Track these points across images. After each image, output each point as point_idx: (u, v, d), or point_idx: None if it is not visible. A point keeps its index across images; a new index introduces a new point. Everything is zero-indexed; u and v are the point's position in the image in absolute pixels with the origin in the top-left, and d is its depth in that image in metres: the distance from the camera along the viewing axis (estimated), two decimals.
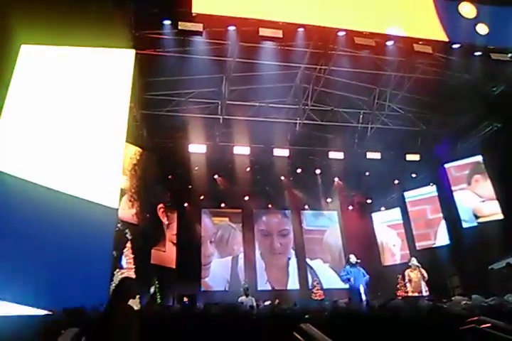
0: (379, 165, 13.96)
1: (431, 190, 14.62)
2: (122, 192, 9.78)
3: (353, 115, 12.94)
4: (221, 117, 12.14)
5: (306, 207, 16.69)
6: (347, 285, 9.37)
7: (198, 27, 8.48)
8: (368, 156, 13.42)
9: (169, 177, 13.67)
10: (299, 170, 14.82)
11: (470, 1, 10.33)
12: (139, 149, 11.37)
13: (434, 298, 7.43)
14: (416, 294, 9.46)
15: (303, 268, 15.72)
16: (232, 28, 8.91)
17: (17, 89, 8.22)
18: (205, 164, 13.35)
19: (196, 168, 13.50)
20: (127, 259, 10.36)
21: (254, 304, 8.76)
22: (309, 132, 13.43)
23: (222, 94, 11.59)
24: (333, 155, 13.52)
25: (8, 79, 8.09)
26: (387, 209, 16.33)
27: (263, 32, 8.73)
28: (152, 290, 11.33)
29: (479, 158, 12.87)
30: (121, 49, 8.94)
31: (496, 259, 10.73)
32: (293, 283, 15.38)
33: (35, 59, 8.56)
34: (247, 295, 9.12)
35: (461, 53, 10.09)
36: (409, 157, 13.64)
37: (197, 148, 12.47)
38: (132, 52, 9.02)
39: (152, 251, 12.17)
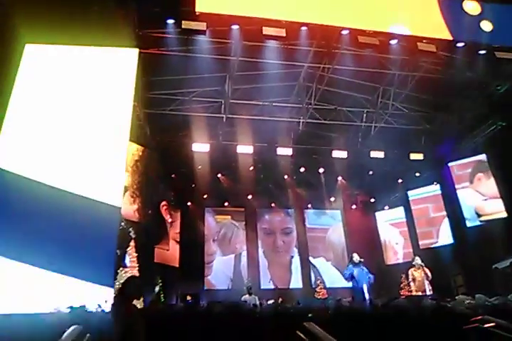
0: (382, 164, 13.94)
1: (434, 189, 14.59)
2: (124, 189, 9.81)
3: (356, 114, 12.91)
4: (224, 116, 12.14)
5: (310, 206, 16.69)
6: (350, 284, 9.36)
7: (202, 26, 8.47)
8: (371, 155, 13.38)
9: (172, 176, 13.70)
10: (302, 169, 14.81)
11: None
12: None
13: (437, 297, 7.42)
14: (419, 293, 9.44)
15: (306, 267, 15.74)
16: (235, 26, 8.89)
17: (21, 88, 8.27)
18: (209, 163, 13.36)
19: (199, 167, 13.51)
20: (131, 258, 10.40)
21: (258, 303, 8.76)
22: (313, 131, 13.40)
23: (225, 93, 11.59)
24: (337, 154, 13.49)
25: (13, 78, 8.14)
26: (390, 208, 16.30)
27: (266, 31, 8.70)
28: (157, 289, 11.37)
29: (483, 157, 12.82)
30: (125, 48, 8.96)
31: (500, 258, 10.69)
32: (296, 282, 15.40)
33: (39, 58, 8.61)
34: (250, 294, 9.13)
35: (466, 52, 10.02)
36: (413, 156, 13.58)
37: (200, 147, 12.48)
38: (136, 51, 9.04)
39: (155, 249, 12.20)
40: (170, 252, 13.19)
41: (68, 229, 7.28)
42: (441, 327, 3.98)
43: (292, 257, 15.89)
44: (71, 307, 5.65)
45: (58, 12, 7.46)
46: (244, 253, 15.40)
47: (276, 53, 10.05)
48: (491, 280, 10.28)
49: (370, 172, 14.85)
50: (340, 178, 15.80)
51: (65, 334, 3.10)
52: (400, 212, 15.95)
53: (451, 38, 9.68)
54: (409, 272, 9.96)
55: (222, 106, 11.97)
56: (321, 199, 16.35)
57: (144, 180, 11.29)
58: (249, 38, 9.39)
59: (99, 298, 6.59)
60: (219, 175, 14.64)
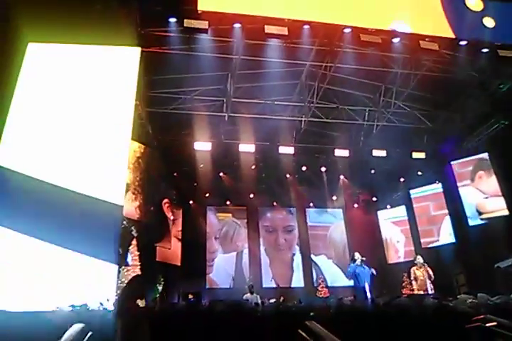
0: (385, 162, 13.92)
1: (436, 187, 14.57)
2: (126, 186, 9.82)
3: (358, 112, 12.89)
4: (226, 115, 12.15)
5: (311, 204, 16.70)
6: (351, 283, 9.38)
7: (204, 24, 8.46)
8: (373, 154, 13.37)
9: (174, 174, 13.71)
10: (304, 168, 14.81)
11: None
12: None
13: (439, 296, 7.42)
14: (421, 292, 9.44)
15: (307, 265, 15.77)
16: (237, 25, 8.89)
17: (24, 86, 8.28)
18: (211, 162, 13.38)
19: (201, 166, 13.52)
20: (133, 257, 10.42)
21: (259, 301, 8.78)
22: (315, 129, 13.40)
23: (227, 91, 11.59)
24: (339, 152, 13.48)
25: (16, 77, 8.15)
26: (392, 207, 16.29)
27: (269, 29, 8.69)
28: (161, 287, 11.40)
29: (485, 156, 12.81)
30: (127, 47, 8.96)
31: (502, 257, 10.67)
32: (298, 281, 15.42)
33: (42, 57, 8.63)
34: (251, 293, 9.16)
35: (468, 50, 9.99)
36: (415, 155, 13.57)
37: (202, 146, 12.49)
38: (138, 50, 9.04)
39: (157, 248, 12.23)
40: (172, 251, 13.21)
41: (70, 227, 7.30)
42: (443, 326, 3.98)
43: (294, 255, 15.93)
44: (73, 306, 5.67)
45: (61, 11, 7.47)
46: (246, 251, 15.44)
47: (279, 52, 10.03)
48: (493, 280, 10.27)
49: (372, 171, 14.82)
50: (342, 177, 15.80)
51: (67, 332, 3.11)
52: (401, 210, 15.94)
53: (453, 35, 9.65)
54: (412, 271, 9.95)
55: (224, 104, 11.98)
56: (323, 198, 16.36)
57: (146, 177, 11.30)
58: (252, 37, 9.38)
59: (101, 296, 6.61)
60: (221, 174, 14.65)
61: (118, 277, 8.77)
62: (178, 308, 6.44)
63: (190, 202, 15.08)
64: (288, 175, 15.30)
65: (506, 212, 11.87)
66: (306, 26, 9.11)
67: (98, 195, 7.71)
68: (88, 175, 7.90)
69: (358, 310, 5.37)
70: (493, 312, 3.95)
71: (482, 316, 3.73)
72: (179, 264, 13.44)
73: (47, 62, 8.66)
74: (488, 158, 12.72)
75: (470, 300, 5.07)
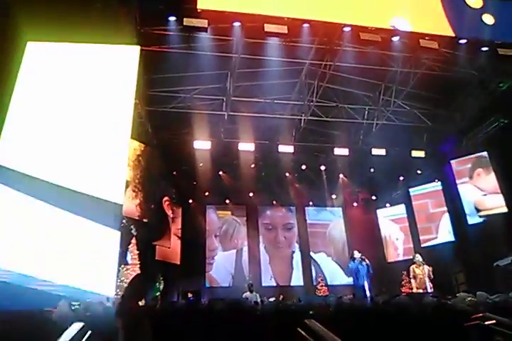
0: (384, 161, 13.92)
1: (435, 185, 14.60)
2: (125, 183, 9.82)
3: (358, 111, 12.88)
4: (226, 113, 12.14)
5: (311, 203, 16.72)
6: (351, 280, 9.41)
7: (203, 23, 8.46)
8: (373, 152, 13.38)
9: (174, 173, 13.71)
10: (303, 167, 14.82)
11: None
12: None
13: (438, 295, 7.44)
14: (421, 291, 9.46)
15: (307, 263, 15.81)
16: (237, 24, 8.88)
17: (23, 85, 8.27)
18: (210, 160, 13.38)
19: (201, 165, 13.53)
20: (132, 255, 10.43)
21: (259, 300, 8.80)
22: (314, 128, 13.40)
23: (227, 90, 11.58)
24: (338, 151, 13.48)
25: (15, 75, 8.13)
26: (392, 205, 16.31)
27: (268, 28, 8.69)
28: (162, 286, 11.42)
29: (484, 154, 12.84)
30: (126, 45, 8.95)
31: (501, 256, 10.69)
32: (297, 279, 15.45)
33: (41, 56, 8.61)
34: (251, 291, 9.17)
35: (468, 49, 9.99)
36: (415, 153, 13.58)
37: (202, 145, 12.48)
38: (137, 48, 9.02)
39: (157, 247, 12.24)
40: (171, 249, 13.22)
41: (69, 225, 7.30)
42: (442, 325, 3.99)
43: (293, 252, 15.99)
44: (73, 304, 5.67)
45: (60, 9, 7.45)
46: (246, 249, 15.49)
47: (278, 50, 10.02)
48: (492, 278, 10.29)
49: (372, 170, 14.83)
50: (341, 176, 15.81)
51: (67, 331, 3.11)
52: (401, 208, 15.97)
53: (452, 33, 9.65)
54: (411, 269, 9.97)
55: (224, 103, 11.97)
56: (323, 197, 16.37)
57: (146, 175, 11.31)
58: (251, 35, 9.37)
59: (101, 295, 6.62)
60: (220, 173, 14.66)
61: (117, 276, 8.79)
62: (178, 307, 6.46)
63: (190, 200, 15.08)
64: (287, 174, 15.31)
65: (505, 209, 11.94)
66: (306, 25, 9.11)
67: (97, 194, 7.71)
68: (87, 174, 7.89)
69: (357, 309, 5.39)
70: (492, 310, 3.96)
71: (481, 314, 3.74)
72: (179, 263, 13.45)
73: (46, 60, 8.64)
74: (487, 156, 12.74)
75: (469, 299, 5.09)
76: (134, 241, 10.57)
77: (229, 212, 16.05)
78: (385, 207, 16.53)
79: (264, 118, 12.47)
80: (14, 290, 6.42)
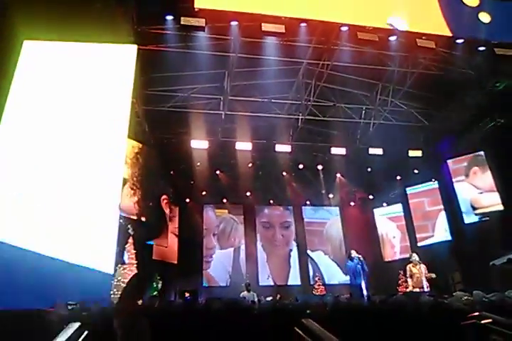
0: (381, 161, 13.94)
1: (432, 184, 14.65)
2: (123, 181, 9.80)
3: (355, 111, 12.90)
4: (223, 113, 12.13)
5: (308, 202, 16.73)
6: (348, 278, 9.43)
7: (201, 22, 8.45)
8: (370, 152, 13.41)
9: (171, 172, 13.68)
10: (301, 166, 14.81)
11: None
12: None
13: (435, 294, 7.45)
14: (417, 289, 9.47)
15: (304, 261, 15.83)
16: (234, 23, 8.87)
17: (20, 84, 8.24)
18: (207, 160, 13.37)
19: (198, 164, 13.51)
20: (129, 255, 10.41)
21: (256, 299, 8.80)
22: (311, 128, 13.41)
23: (224, 89, 11.58)
24: (335, 150, 13.50)
25: (11, 74, 8.10)
26: (389, 205, 16.33)
27: (266, 27, 8.69)
28: (160, 285, 11.41)
29: (481, 153, 12.89)
30: (124, 44, 8.93)
31: (497, 255, 10.73)
32: (294, 278, 15.47)
33: (38, 55, 8.58)
34: (248, 291, 9.17)
35: (465, 48, 10.02)
36: (412, 153, 13.62)
37: (199, 144, 12.48)
38: (134, 47, 9.01)
39: (154, 246, 12.21)
40: (168, 249, 13.20)
41: (66, 224, 7.29)
42: (439, 323, 4.01)
43: (291, 250, 16.01)
44: (69, 304, 5.65)
45: (57, 8, 7.43)
46: (243, 248, 15.51)
47: (276, 50, 10.03)
48: (489, 277, 10.32)
49: (369, 169, 14.85)
50: (338, 175, 15.83)
51: (63, 331, 3.11)
52: (397, 208, 16.00)
53: (449, 32, 9.70)
54: (407, 268, 9.99)
55: (221, 102, 11.96)
56: (320, 196, 16.39)
57: (145, 173, 11.28)
58: (249, 35, 9.38)
59: (97, 294, 6.60)
60: (217, 172, 14.64)
61: (114, 275, 8.77)
62: (176, 306, 6.45)
63: (187, 200, 15.06)
64: (285, 173, 15.31)
65: (501, 207, 12.02)
66: (303, 24, 9.12)
67: (94, 193, 7.70)
68: (84, 173, 7.87)
69: (354, 308, 5.40)
70: (488, 309, 3.98)
71: (477, 313, 3.76)
72: (176, 262, 13.43)
73: (43, 59, 8.61)
74: (483, 155, 12.79)
75: (465, 298, 5.11)
76: (130, 240, 10.54)
77: (226, 211, 16.07)
78: (382, 206, 16.55)
79: (261, 118, 12.48)
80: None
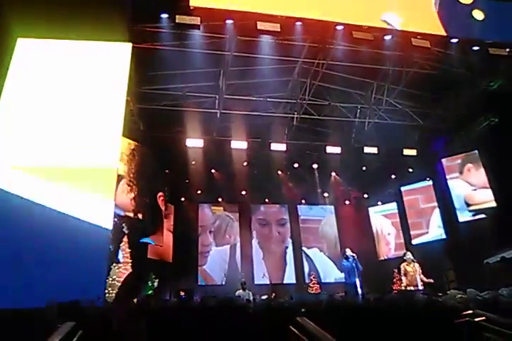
0: (376, 159, 13.99)
1: (427, 184, 14.73)
2: (119, 177, 9.77)
3: (350, 110, 12.93)
4: (218, 111, 12.11)
5: (303, 201, 16.75)
6: (343, 275, 9.46)
7: (196, 20, 8.42)
8: (365, 151, 13.42)
9: (166, 171, 13.65)
10: (296, 165, 14.83)
11: None
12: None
13: (429, 292, 7.49)
14: (412, 288, 9.51)
15: (300, 259, 15.87)
16: (229, 21, 8.84)
17: (13, 82, 8.19)
18: (203, 158, 13.35)
19: (193, 163, 13.49)
20: (124, 254, 10.38)
21: (251, 298, 8.80)
22: (306, 126, 13.42)
23: (219, 88, 11.55)
24: (331, 149, 13.51)
25: (5, 72, 8.06)
26: (383, 203, 16.38)
27: (261, 26, 8.67)
28: (156, 284, 11.39)
29: (475, 153, 12.98)
30: (118, 42, 8.90)
31: (491, 254, 10.80)
32: (290, 276, 15.49)
33: (32, 52, 8.53)
34: (244, 289, 9.17)
35: (460, 48, 10.06)
36: (407, 152, 13.65)
37: (194, 143, 12.45)
38: (129, 45, 8.98)
39: (149, 245, 12.19)
40: (163, 247, 13.18)
41: (60, 223, 7.26)
42: (433, 321, 4.03)
43: (287, 248, 16.04)
44: (64, 303, 5.62)
45: (51, 6, 7.39)
46: (239, 245, 15.51)
47: (271, 48, 10.02)
48: (482, 275, 10.39)
49: (364, 168, 14.88)
50: (333, 174, 15.86)
51: (57, 331, 3.09)
52: (392, 206, 16.05)
53: (443, 29, 9.70)
54: (402, 267, 10.02)
55: (217, 101, 11.94)
56: (315, 195, 16.41)
57: (141, 169, 11.25)
58: (244, 33, 9.36)
59: (91, 293, 6.58)
60: (213, 171, 14.63)
61: (109, 274, 8.76)
62: (171, 305, 6.45)
63: (182, 198, 15.04)
64: (280, 172, 15.32)
65: (494, 204, 12.14)
66: (299, 23, 9.10)
67: (88, 192, 7.68)
68: (78, 172, 7.84)
69: (349, 306, 5.42)
70: (481, 307, 4.01)
71: (471, 311, 3.78)
72: (171, 261, 13.41)
73: (37, 57, 8.56)
74: (477, 155, 12.88)
75: (459, 296, 5.14)
76: (125, 239, 10.52)
77: (221, 208, 16.08)
78: (377, 205, 16.60)
79: (256, 117, 12.47)
80: None
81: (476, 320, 3.65)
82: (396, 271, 12.63)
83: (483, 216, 12.35)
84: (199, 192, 15.02)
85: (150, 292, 11.20)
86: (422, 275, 9.40)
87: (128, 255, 10.45)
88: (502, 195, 11.77)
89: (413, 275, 9.44)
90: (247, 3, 8.74)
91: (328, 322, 3.36)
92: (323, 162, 14.83)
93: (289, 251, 16.00)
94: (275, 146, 13.13)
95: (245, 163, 14.14)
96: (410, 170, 14.66)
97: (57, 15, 7.51)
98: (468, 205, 12.80)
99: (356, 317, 4.20)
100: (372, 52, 10.38)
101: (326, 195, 16.60)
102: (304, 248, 16.17)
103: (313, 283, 15.17)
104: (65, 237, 7.13)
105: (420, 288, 9.25)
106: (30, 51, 8.50)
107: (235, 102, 12.10)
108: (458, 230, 12.92)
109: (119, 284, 8.83)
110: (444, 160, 13.67)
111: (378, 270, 14.44)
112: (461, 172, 13.20)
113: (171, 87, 11.38)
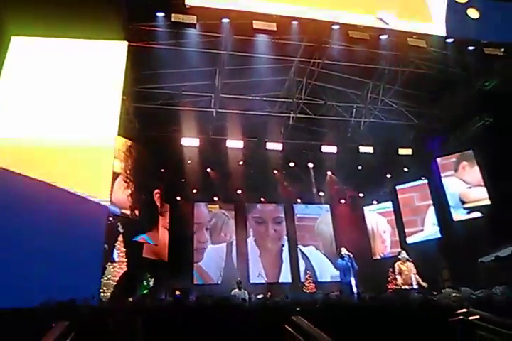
0: (371, 159, 14.02)
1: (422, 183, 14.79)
2: (115, 174, 9.74)
3: (346, 109, 12.95)
4: (214, 110, 12.10)
5: (299, 200, 16.76)
6: (338, 274, 9.49)
7: (192, 19, 8.41)
8: (360, 150, 13.47)
9: (162, 170, 13.61)
10: (291, 164, 14.84)
11: None
12: None
13: (424, 291, 7.52)
14: (406, 287, 9.54)
15: (296, 257, 15.88)
16: (225, 20, 8.83)
17: (7, 81, 8.15)
18: (198, 157, 13.33)
19: (189, 162, 13.46)
20: (119, 253, 10.34)
21: (247, 297, 8.80)
22: (302, 126, 13.44)
23: (215, 87, 11.54)
24: (326, 149, 13.54)
25: None
26: (379, 202, 16.41)
27: (257, 25, 8.68)
28: (151, 283, 11.36)
29: (470, 152, 13.04)
30: (114, 41, 8.86)
31: (485, 252, 10.87)
32: (285, 276, 15.49)
33: (26, 51, 8.49)
34: (239, 288, 9.16)
35: (455, 48, 10.11)
36: (402, 151, 13.71)
37: (190, 142, 12.44)
38: (125, 44, 8.95)
39: (144, 244, 12.15)
40: (159, 246, 13.14)
41: (55, 222, 7.24)
42: (428, 320, 4.05)
43: (283, 246, 16.05)
44: (59, 302, 5.61)
45: (46, 4, 7.35)
46: (235, 243, 15.50)
47: (267, 47, 10.01)
48: (477, 274, 10.45)
49: (359, 168, 14.91)
50: (329, 173, 15.87)
51: (51, 330, 3.09)
52: (387, 205, 16.09)
53: (440, 33, 9.74)
54: (396, 265, 10.05)
55: (212, 100, 11.93)
56: (310, 194, 16.39)
57: (138, 166, 11.20)
58: (240, 32, 9.36)
59: (86, 292, 6.56)
60: (208, 170, 14.61)
61: (104, 273, 8.72)
62: (167, 304, 6.44)
63: (178, 197, 15.00)
64: (276, 171, 15.32)
65: (488, 202, 12.22)
66: (295, 22, 9.11)
67: (84, 191, 7.66)
68: (75, 171, 7.82)
69: (344, 305, 5.43)
70: (475, 305, 4.04)
71: (465, 310, 3.81)
72: (166, 260, 13.37)
73: (31, 56, 8.52)
74: (472, 154, 12.95)
75: (454, 295, 5.17)
76: (120, 238, 10.48)
77: (217, 206, 16.07)
78: (372, 204, 16.64)
79: (252, 116, 12.47)
80: None
81: (470, 318, 3.67)
82: (391, 270, 12.65)
83: (477, 215, 12.43)
84: (195, 191, 14.99)
85: (145, 291, 11.17)
86: (416, 275, 9.44)
87: (123, 254, 10.40)
88: (496, 194, 11.85)
89: (408, 274, 9.46)
90: (243, 2, 8.76)
91: (323, 321, 3.36)
92: (318, 161, 14.85)
93: (285, 249, 16.01)
94: (271, 145, 13.14)
95: (241, 162, 14.12)
96: (405, 169, 14.71)
97: (51, 13, 7.47)
98: (463, 203, 12.88)
99: (351, 316, 4.22)
100: (368, 51, 10.41)
101: (321, 194, 16.60)
102: (300, 246, 16.18)
103: (309, 282, 15.18)
104: (59, 236, 7.11)
105: (415, 286, 9.29)
106: (24, 49, 8.45)
107: (230, 101, 12.09)
108: (453, 229, 12.97)
109: (114, 283, 8.83)
110: (439, 160, 13.74)
111: (374, 269, 14.46)
112: (455, 170, 13.28)
113: (166, 86, 11.35)
